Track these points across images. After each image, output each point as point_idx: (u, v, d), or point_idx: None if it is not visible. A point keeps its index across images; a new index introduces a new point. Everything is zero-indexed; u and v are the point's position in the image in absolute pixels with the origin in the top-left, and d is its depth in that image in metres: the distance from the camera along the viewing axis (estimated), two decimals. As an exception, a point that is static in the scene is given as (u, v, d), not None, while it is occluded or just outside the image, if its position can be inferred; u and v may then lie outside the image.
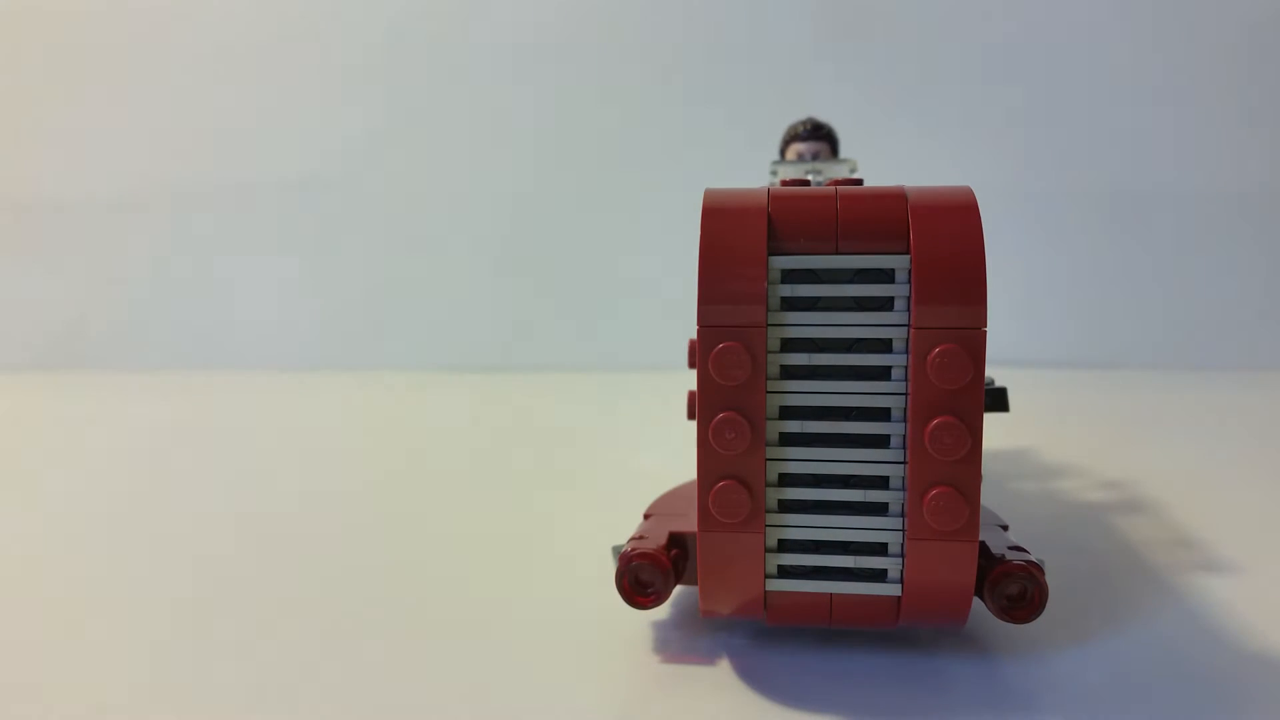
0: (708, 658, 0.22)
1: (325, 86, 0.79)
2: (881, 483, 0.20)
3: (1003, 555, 0.21)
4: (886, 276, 0.20)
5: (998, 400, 0.32)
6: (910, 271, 0.19)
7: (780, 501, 0.20)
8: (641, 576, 0.21)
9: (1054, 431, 0.47)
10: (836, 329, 0.20)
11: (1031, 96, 0.74)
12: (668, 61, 0.76)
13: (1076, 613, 0.24)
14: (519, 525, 0.33)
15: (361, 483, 0.40)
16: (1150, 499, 0.35)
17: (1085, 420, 0.53)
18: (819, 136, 0.37)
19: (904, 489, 0.20)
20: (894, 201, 0.20)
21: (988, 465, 0.38)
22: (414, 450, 0.47)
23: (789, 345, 0.20)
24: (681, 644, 0.23)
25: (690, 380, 0.24)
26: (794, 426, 0.20)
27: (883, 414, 0.20)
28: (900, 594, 0.20)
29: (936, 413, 0.19)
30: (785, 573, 0.20)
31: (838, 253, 0.20)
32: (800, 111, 0.40)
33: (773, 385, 0.20)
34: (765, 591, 0.20)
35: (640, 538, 0.22)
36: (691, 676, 0.21)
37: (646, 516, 0.24)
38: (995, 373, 0.31)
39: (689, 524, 0.22)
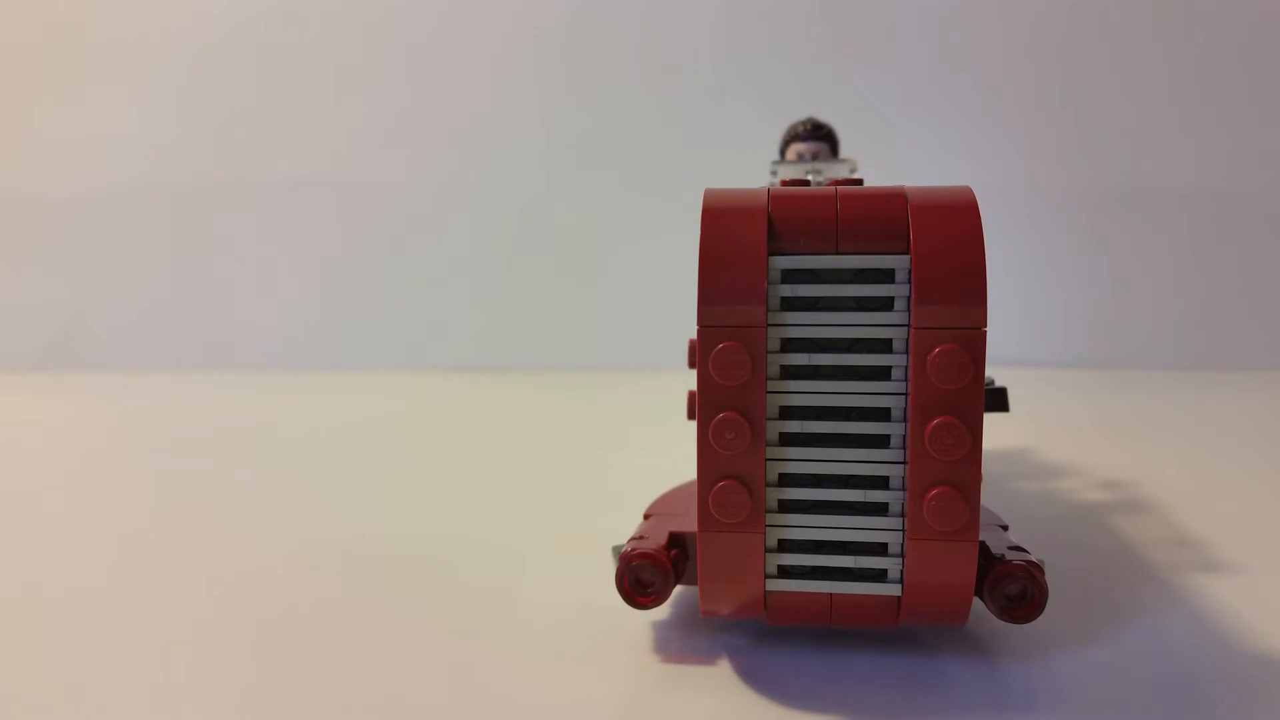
0: (708, 658, 0.22)
1: (325, 86, 0.79)
2: (881, 483, 0.20)
3: (1003, 555, 0.21)
4: (886, 276, 0.20)
5: (998, 400, 0.32)
6: (910, 271, 0.19)
7: (780, 501, 0.20)
8: (641, 576, 0.21)
9: (1054, 431, 0.47)
10: (836, 329, 0.20)
11: (1031, 96, 0.73)
12: (668, 61, 0.76)
13: (1076, 613, 0.24)
14: (519, 525, 0.33)
15: (360, 483, 0.40)
16: (1150, 499, 0.35)
17: (1085, 420, 0.53)
18: (819, 136, 0.37)
19: (904, 489, 0.20)
20: (894, 201, 0.20)
21: (988, 465, 0.38)
22: (413, 450, 0.47)
23: (789, 345, 0.20)
24: (681, 644, 0.23)
25: (690, 380, 0.24)
26: (794, 426, 0.20)
27: (883, 414, 0.20)
28: (900, 594, 0.20)
29: (936, 413, 0.19)
30: (785, 573, 0.20)
31: (838, 253, 0.20)
32: (801, 111, 0.40)
33: (773, 385, 0.20)
34: (765, 591, 0.20)
35: (640, 538, 0.22)
36: (691, 676, 0.21)
37: (646, 516, 0.24)
38: (995, 373, 0.31)
39: (689, 524, 0.22)
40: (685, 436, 0.25)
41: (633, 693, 0.20)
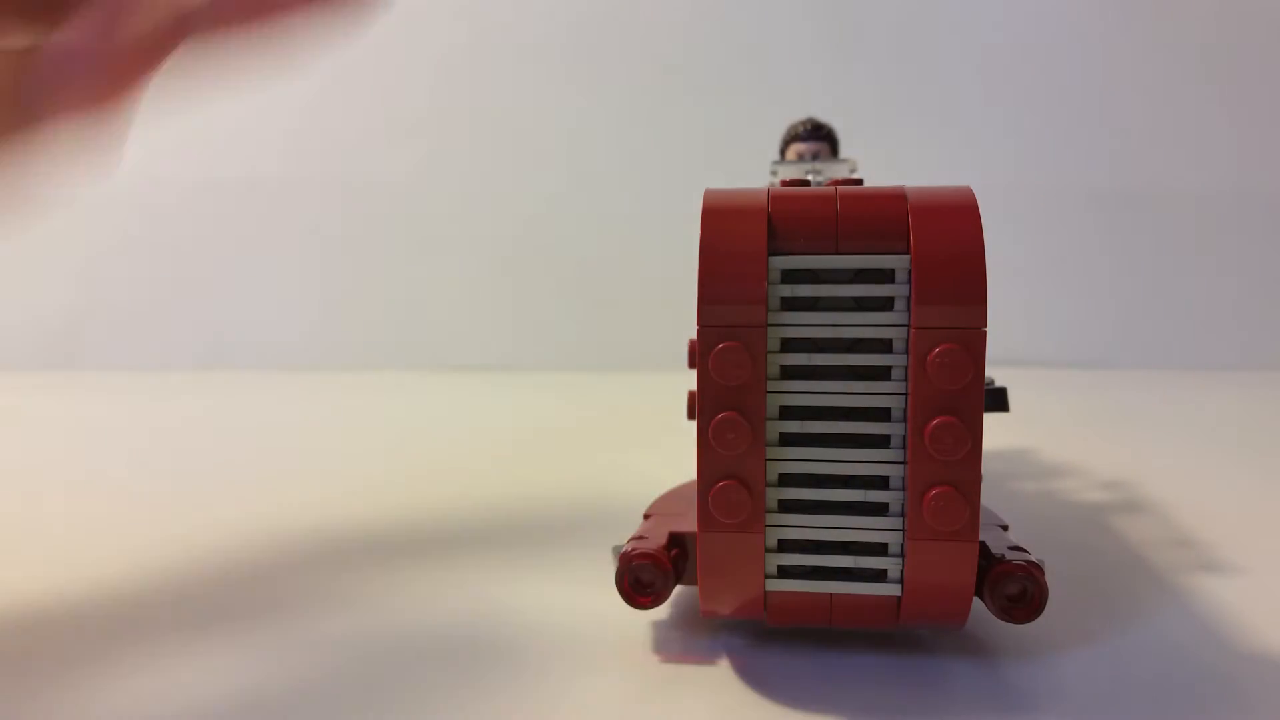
0: (708, 658, 0.22)
1: (325, 85, 0.79)
2: (881, 483, 0.20)
3: (1003, 555, 0.21)
4: (886, 276, 0.20)
5: (998, 400, 0.32)
6: (910, 271, 0.19)
7: (780, 501, 0.20)
8: (642, 577, 0.21)
9: (1054, 431, 0.47)
10: (836, 329, 0.20)
11: (1031, 96, 0.74)
12: (668, 61, 0.76)
13: (1076, 613, 0.24)
14: (518, 525, 0.33)
15: (361, 483, 0.40)
16: (1150, 499, 0.35)
17: (1085, 420, 0.53)
18: (819, 136, 0.37)
19: (904, 489, 0.20)
20: (894, 201, 0.20)
21: (988, 465, 0.38)
22: (413, 450, 0.47)
23: (789, 345, 0.20)
24: (681, 644, 0.23)
25: (690, 380, 0.24)
26: (794, 426, 0.20)
27: (883, 414, 0.20)
28: (900, 594, 0.20)
29: (936, 413, 0.19)
30: (785, 573, 0.20)
31: (838, 253, 0.20)
32: (801, 111, 0.40)
33: (773, 385, 0.20)
34: (765, 591, 0.20)
35: (640, 538, 0.22)
36: (691, 676, 0.21)
37: (646, 516, 0.24)
38: (995, 373, 0.31)
39: (689, 524, 0.22)
40: (685, 436, 0.25)
41: (633, 693, 0.20)
